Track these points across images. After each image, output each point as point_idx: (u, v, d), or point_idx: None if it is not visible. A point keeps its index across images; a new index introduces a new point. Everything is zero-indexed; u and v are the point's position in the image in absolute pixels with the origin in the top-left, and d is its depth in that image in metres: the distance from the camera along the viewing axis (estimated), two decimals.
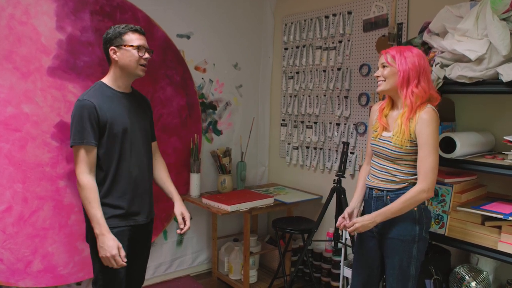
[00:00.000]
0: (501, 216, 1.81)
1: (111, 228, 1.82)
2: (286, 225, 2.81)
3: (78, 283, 2.74)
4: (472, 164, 1.93)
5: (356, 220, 1.83)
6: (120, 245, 1.79)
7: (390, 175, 1.84)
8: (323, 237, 3.10)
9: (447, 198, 2.04)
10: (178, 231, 2.07)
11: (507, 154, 1.88)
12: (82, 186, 1.77)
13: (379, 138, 1.87)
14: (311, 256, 3.14)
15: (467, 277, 2.05)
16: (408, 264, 1.83)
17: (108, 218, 1.82)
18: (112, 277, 1.86)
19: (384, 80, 1.81)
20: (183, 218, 2.06)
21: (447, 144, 1.97)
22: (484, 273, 2.06)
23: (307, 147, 3.32)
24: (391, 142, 1.81)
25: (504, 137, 1.88)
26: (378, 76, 1.84)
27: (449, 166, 2.02)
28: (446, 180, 2.07)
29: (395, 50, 1.80)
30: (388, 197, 1.84)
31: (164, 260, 3.16)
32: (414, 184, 1.80)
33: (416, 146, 1.77)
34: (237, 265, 3.14)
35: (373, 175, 1.92)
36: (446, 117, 2.29)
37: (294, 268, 2.82)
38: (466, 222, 1.99)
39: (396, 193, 1.81)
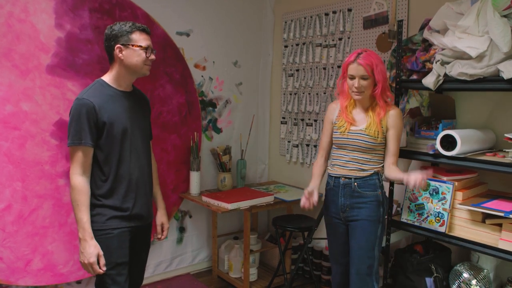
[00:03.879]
0: (502, 214, 1.81)
1: (112, 229, 1.80)
2: (286, 223, 2.80)
3: (78, 282, 2.74)
4: (472, 161, 1.92)
5: (415, 177, 1.81)
6: (101, 253, 1.76)
7: (360, 164, 2.03)
8: (323, 235, 3.08)
9: (447, 196, 2.04)
10: (156, 239, 2.14)
11: (508, 152, 1.87)
12: (73, 187, 1.74)
13: (348, 132, 2.04)
14: (311, 254, 3.14)
15: (467, 275, 2.05)
16: (373, 245, 2.02)
17: (109, 219, 1.80)
18: (115, 280, 1.82)
19: (363, 91, 1.97)
20: (162, 229, 2.13)
21: (447, 142, 1.96)
22: (485, 271, 2.06)
23: (307, 145, 3.31)
24: (365, 134, 2.00)
25: (505, 135, 1.88)
26: (357, 87, 1.96)
27: (449, 164, 2.01)
28: (447, 178, 2.07)
29: (371, 61, 1.93)
30: (356, 183, 2.03)
31: (164, 258, 3.16)
32: (377, 171, 2.03)
33: (385, 137, 2.02)
34: (237, 263, 3.14)
35: (339, 165, 2.08)
36: (447, 114, 2.28)
37: (294, 266, 2.82)
38: (466, 220, 1.99)
39: (363, 180, 2.02)
